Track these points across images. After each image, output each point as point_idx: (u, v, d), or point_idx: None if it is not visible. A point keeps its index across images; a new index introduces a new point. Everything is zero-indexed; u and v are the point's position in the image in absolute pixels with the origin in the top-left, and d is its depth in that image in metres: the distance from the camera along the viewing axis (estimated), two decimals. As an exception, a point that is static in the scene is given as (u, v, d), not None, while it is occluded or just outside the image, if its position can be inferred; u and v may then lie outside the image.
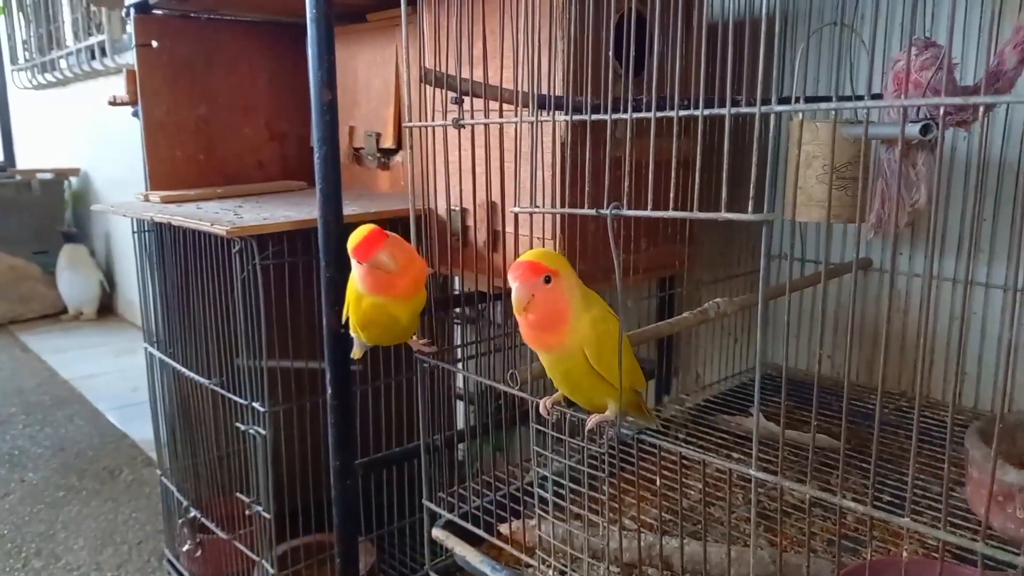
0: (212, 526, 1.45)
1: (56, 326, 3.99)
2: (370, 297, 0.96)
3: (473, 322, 1.30)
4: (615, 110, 0.78)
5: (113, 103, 1.68)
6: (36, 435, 2.55)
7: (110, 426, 2.63)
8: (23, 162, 5.06)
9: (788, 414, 1.22)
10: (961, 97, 0.71)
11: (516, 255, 1.12)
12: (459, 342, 1.25)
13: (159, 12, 1.58)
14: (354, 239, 0.93)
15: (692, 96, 0.71)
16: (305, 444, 1.38)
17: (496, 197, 1.07)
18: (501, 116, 0.96)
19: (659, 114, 0.72)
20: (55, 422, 2.67)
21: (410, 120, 1.03)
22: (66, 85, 4.14)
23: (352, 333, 1.04)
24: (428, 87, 0.99)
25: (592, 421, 0.82)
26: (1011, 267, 1.14)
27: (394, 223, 1.29)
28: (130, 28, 1.60)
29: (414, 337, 1.06)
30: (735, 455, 1.12)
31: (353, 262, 0.94)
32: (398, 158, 1.55)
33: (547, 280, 0.76)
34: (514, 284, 0.77)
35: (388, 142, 1.54)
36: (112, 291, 4.22)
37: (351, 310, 1.00)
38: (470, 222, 1.19)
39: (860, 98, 1.09)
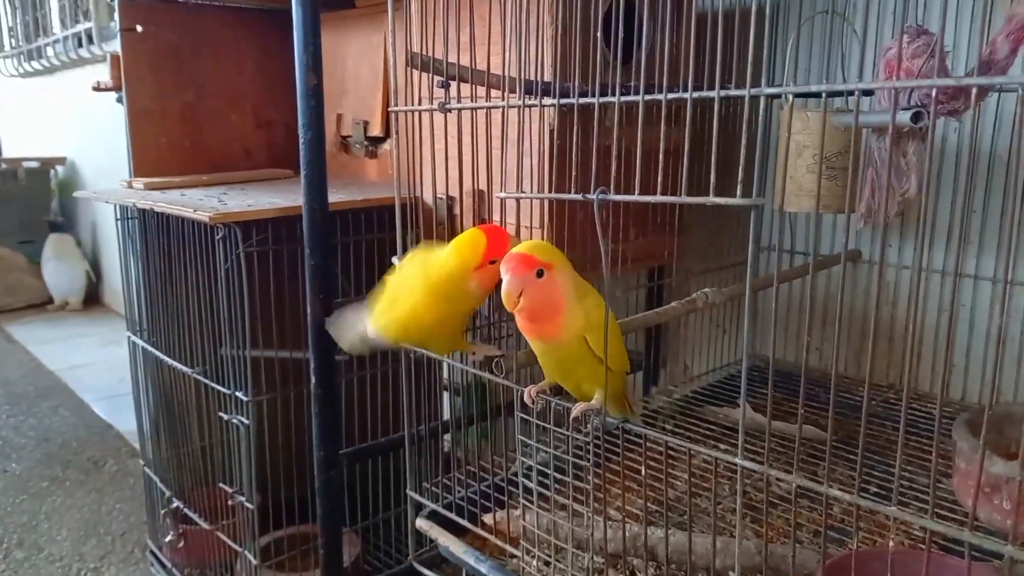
0: (195, 517, 1.44)
1: (42, 316, 3.95)
2: (454, 304, 0.89)
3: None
4: (603, 96, 0.77)
5: (97, 89, 1.66)
6: (20, 426, 2.53)
7: (95, 417, 2.61)
8: (9, 151, 5.01)
9: (776, 405, 1.22)
10: (953, 79, 0.70)
11: (503, 243, 1.11)
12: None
13: (144, -4, 1.56)
14: (483, 244, 0.86)
15: (681, 83, 0.70)
16: (289, 434, 1.36)
17: (483, 185, 1.06)
18: (488, 101, 0.95)
19: (648, 98, 0.71)
20: (40, 413, 2.64)
21: (396, 105, 1.01)
22: (52, 73, 4.10)
23: (377, 331, 0.94)
24: (416, 72, 0.98)
25: (577, 409, 0.81)
26: (1000, 259, 1.13)
27: (380, 211, 1.28)
28: (117, 15, 1.58)
29: None
30: (722, 446, 1.11)
31: (455, 272, 0.87)
32: (386, 146, 1.53)
33: (540, 274, 0.76)
34: (505, 276, 0.75)
35: (376, 130, 1.52)
36: (98, 281, 4.19)
37: (407, 315, 0.91)
38: (457, 210, 1.18)
39: (851, 88, 1.08)
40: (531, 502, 0.90)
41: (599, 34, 0.95)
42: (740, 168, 0.62)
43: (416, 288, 0.90)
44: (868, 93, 0.97)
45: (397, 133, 1.03)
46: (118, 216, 1.50)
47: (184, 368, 1.38)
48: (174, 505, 1.49)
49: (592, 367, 0.79)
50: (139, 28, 1.55)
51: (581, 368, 0.80)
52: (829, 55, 1.13)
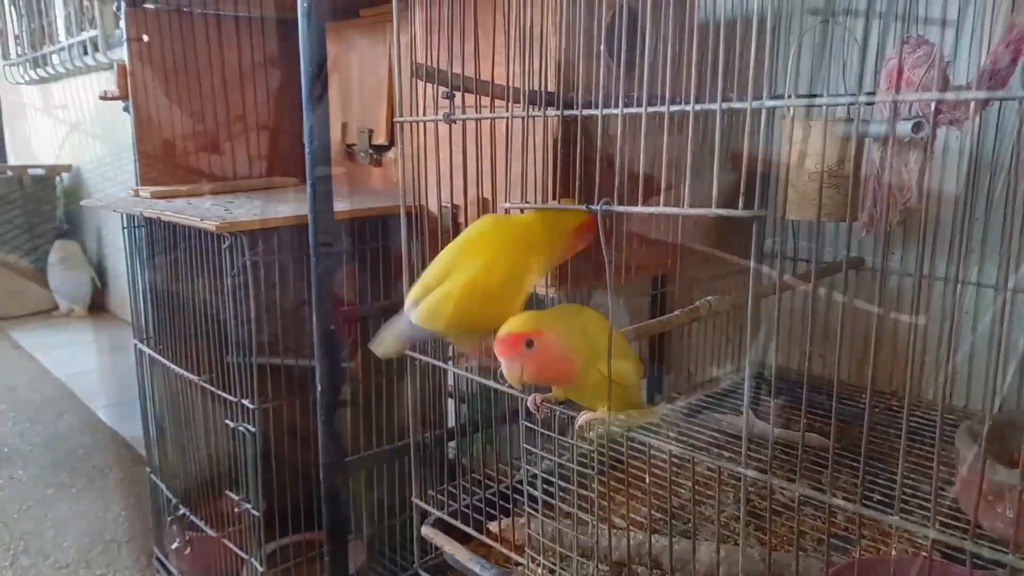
0: (201, 524, 1.45)
1: (47, 323, 3.97)
2: (528, 265, 0.85)
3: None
4: (607, 106, 0.78)
5: (104, 98, 1.67)
6: (26, 432, 2.54)
7: (101, 424, 2.61)
8: (14, 158, 5.03)
9: (779, 413, 1.22)
10: (953, 91, 0.71)
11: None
12: (450, 340, 1.24)
13: (151, 6, 1.58)
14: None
15: (683, 95, 0.71)
16: (295, 441, 1.37)
17: (488, 194, 1.06)
18: (493, 111, 0.96)
19: (651, 109, 0.72)
20: (45, 419, 2.65)
21: (401, 115, 1.02)
22: (58, 80, 4.12)
23: (428, 308, 0.85)
24: (421, 82, 0.98)
25: (583, 418, 0.81)
26: (1002, 267, 1.14)
27: (385, 220, 1.29)
28: (123, 23, 1.59)
29: None
30: (726, 454, 1.11)
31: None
32: (391, 155, 1.54)
33: (529, 344, 0.76)
34: (502, 360, 0.77)
35: (381, 138, 1.53)
36: (104, 288, 4.20)
37: (477, 273, 0.84)
38: (462, 219, 1.18)
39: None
40: (536, 510, 0.90)
41: (602, 45, 0.96)
42: (742, 180, 0.63)
43: (490, 245, 0.85)
44: (869, 103, 0.98)
45: (402, 143, 1.04)
46: (125, 224, 1.51)
47: (190, 375, 1.39)
48: (180, 512, 1.49)
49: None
50: (145, 38, 1.56)
51: (600, 401, 0.81)
52: (831, 65, 1.14)
